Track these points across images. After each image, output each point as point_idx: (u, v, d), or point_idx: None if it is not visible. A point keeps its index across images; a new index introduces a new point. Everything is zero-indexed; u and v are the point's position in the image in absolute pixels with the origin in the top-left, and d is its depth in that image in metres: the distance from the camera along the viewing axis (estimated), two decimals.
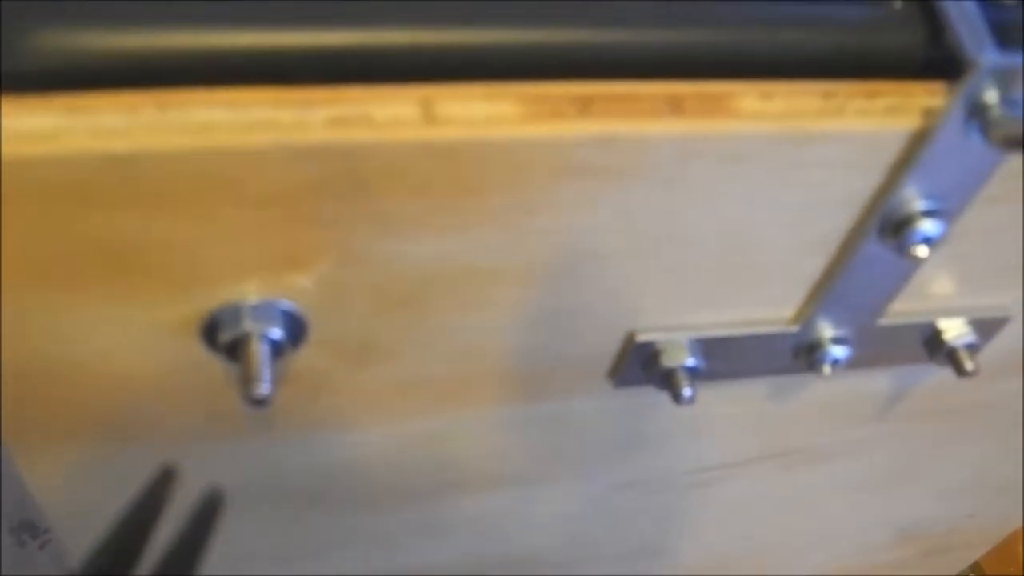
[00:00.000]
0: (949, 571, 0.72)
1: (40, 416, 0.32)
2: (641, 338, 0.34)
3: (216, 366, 0.30)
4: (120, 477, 0.33)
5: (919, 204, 0.30)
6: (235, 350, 0.28)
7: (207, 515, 0.27)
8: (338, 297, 0.29)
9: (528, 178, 0.26)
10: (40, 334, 0.28)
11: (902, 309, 0.36)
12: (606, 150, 0.26)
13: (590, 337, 0.34)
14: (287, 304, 0.28)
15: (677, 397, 0.34)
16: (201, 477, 0.36)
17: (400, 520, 0.43)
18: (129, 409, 0.32)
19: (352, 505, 0.41)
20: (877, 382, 0.42)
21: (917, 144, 0.28)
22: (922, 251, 0.31)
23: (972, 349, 0.38)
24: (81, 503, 0.36)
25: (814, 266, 0.33)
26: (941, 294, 0.37)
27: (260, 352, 0.28)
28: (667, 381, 0.34)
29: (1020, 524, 0.65)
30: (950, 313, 0.37)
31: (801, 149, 0.28)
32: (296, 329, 0.29)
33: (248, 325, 0.28)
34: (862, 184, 0.30)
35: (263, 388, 0.28)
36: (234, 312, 0.28)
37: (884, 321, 0.36)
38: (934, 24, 0.28)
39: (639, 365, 0.35)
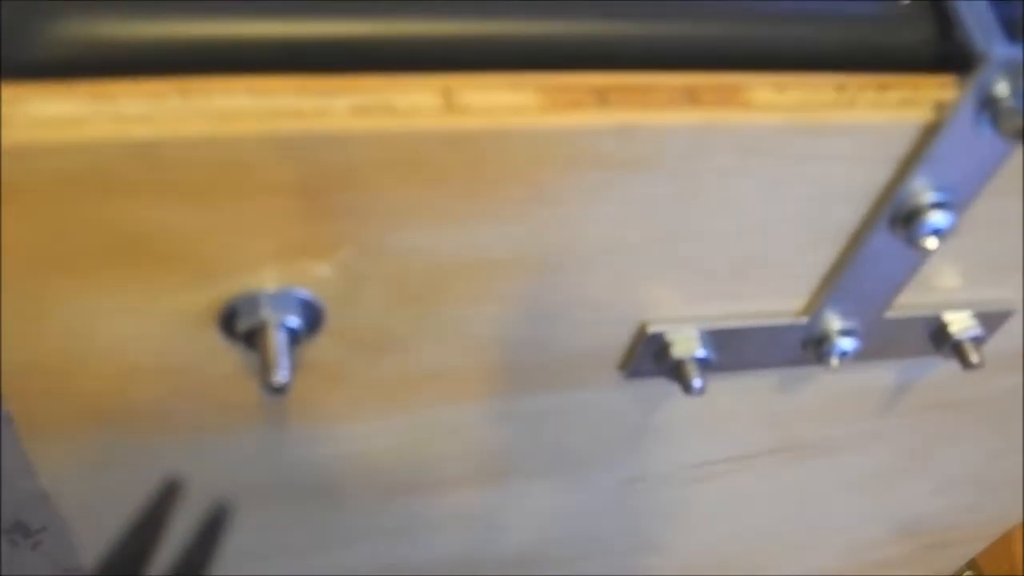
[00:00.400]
0: (948, 567, 0.73)
1: (55, 409, 0.32)
2: (652, 329, 0.34)
3: (232, 356, 0.31)
4: (133, 470, 0.34)
5: (929, 196, 0.30)
6: (253, 339, 0.29)
7: (213, 529, 0.27)
8: (355, 286, 0.29)
9: (546, 169, 0.27)
10: (56, 325, 0.28)
11: (909, 302, 0.37)
12: (624, 140, 0.26)
13: (602, 329, 0.34)
14: (305, 293, 0.29)
15: (688, 388, 0.34)
16: (211, 471, 0.36)
17: (405, 514, 0.43)
18: (144, 401, 0.32)
19: (359, 499, 0.41)
20: (883, 375, 0.43)
21: (928, 136, 0.29)
22: (932, 243, 0.31)
23: (977, 342, 0.38)
24: (95, 497, 0.36)
25: (824, 258, 0.33)
26: (947, 287, 0.37)
27: (278, 340, 0.28)
28: (678, 372, 0.35)
29: (1019, 519, 0.65)
30: (956, 306, 0.38)
31: (813, 141, 0.28)
32: (313, 318, 0.29)
33: (266, 313, 0.28)
34: (873, 176, 0.30)
35: (282, 375, 0.28)
36: (252, 301, 0.28)
37: (891, 314, 0.37)
38: (944, 19, 0.28)
39: (650, 356, 0.35)
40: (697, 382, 0.34)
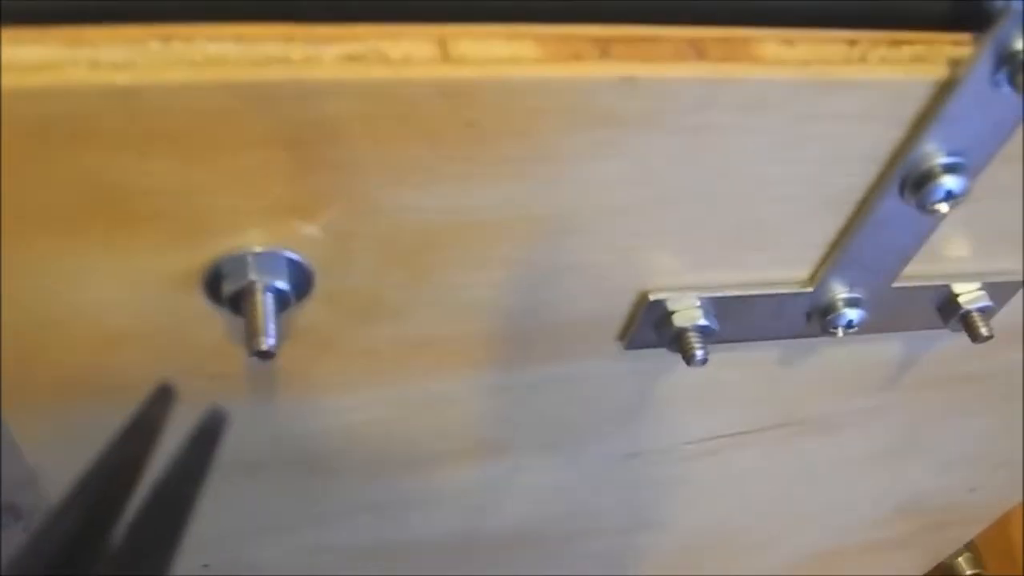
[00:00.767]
0: (946, 549, 0.72)
1: (35, 378, 0.31)
2: (653, 297, 0.33)
3: (219, 322, 0.30)
4: None
5: (942, 159, 0.29)
6: (239, 302, 0.27)
7: (209, 435, 0.26)
8: (345, 248, 0.28)
9: (544, 124, 0.26)
10: (34, 288, 0.27)
11: (916, 272, 0.36)
12: (626, 94, 0.25)
13: (602, 296, 0.33)
14: (293, 254, 0.28)
15: (689, 358, 0.33)
16: None
17: (398, 489, 0.43)
18: (129, 369, 0.31)
19: (352, 473, 0.40)
20: (888, 349, 0.42)
21: (942, 95, 0.28)
22: (944, 207, 0.30)
23: (986, 313, 0.37)
24: (78, 470, 0.35)
25: (831, 224, 0.32)
26: (957, 256, 0.36)
27: (265, 303, 0.27)
28: (679, 342, 0.34)
29: (1018, 501, 0.65)
30: (965, 277, 0.37)
31: (823, 98, 0.27)
32: (302, 280, 0.28)
33: (253, 275, 0.27)
34: (884, 137, 0.29)
35: (269, 341, 0.27)
36: (238, 262, 0.27)
37: (899, 284, 0.36)
38: None
39: (651, 326, 0.34)
40: (699, 353, 0.33)
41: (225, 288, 0.27)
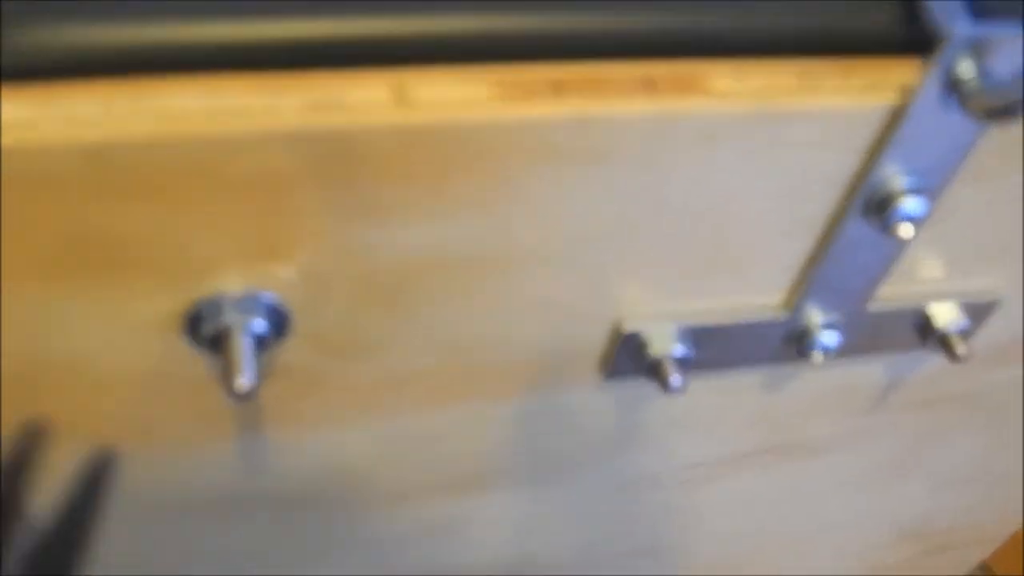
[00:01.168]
0: (951, 571, 0.72)
1: (20, 421, 0.32)
2: (628, 327, 0.33)
3: (202, 363, 0.30)
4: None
5: (901, 181, 0.30)
6: (218, 343, 0.28)
7: (97, 477, 0.26)
8: (321, 288, 0.29)
9: (504, 162, 0.26)
10: (19, 338, 0.28)
11: (892, 294, 0.36)
12: (580, 132, 0.26)
13: (577, 328, 0.34)
14: (269, 296, 0.28)
15: (666, 386, 0.34)
16: (194, 481, 0.36)
17: (390, 523, 0.43)
18: (117, 412, 0.32)
19: (341, 508, 0.41)
20: (871, 372, 0.42)
21: (895, 120, 0.28)
22: (906, 229, 0.30)
23: (964, 333, 0.38)
24: None
25: (800, 249, 0.33)
26: (930, 277, 0.36)
27: (243, 344, 0.28)
28: (656, 371, 0.34)
29: (1019, 516, 0.64)
30: (940, 297, 0.37)
31: (778, 128, 0.28)
32: (279, 321, 0.29)
33: (230, 317, 0.28)
34: (842, 163, 0.30)
35: (245, 380, 0.27)
36: (216, 304, 0.28)
37: (874, 306, 0.36)
38: (910, 1, 0.28)
39: (628, 356, 0.35)
40: (675, 380, 0.34)
41: (205, 330, 0.28)
